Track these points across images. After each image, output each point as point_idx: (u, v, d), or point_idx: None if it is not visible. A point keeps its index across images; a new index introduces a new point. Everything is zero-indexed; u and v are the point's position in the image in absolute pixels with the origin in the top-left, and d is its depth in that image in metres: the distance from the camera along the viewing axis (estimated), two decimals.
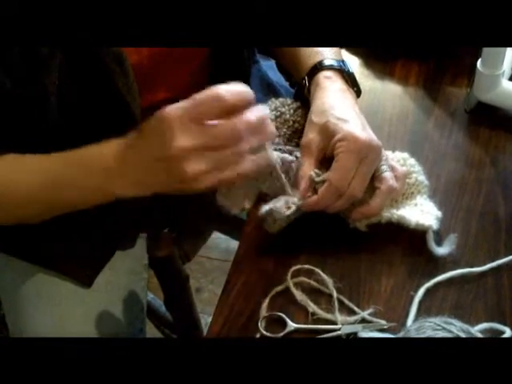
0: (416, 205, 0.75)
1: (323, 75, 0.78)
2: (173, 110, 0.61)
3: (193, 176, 0.61)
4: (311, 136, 0.74)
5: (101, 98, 0.74)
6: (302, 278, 0.71)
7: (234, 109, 0.61)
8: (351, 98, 0.78)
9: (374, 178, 0.73)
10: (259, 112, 0.63)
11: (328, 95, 0.76)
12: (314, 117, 0.75)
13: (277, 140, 0.78)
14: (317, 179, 0.72)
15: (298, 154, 0.76)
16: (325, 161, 0.74)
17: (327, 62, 0.79)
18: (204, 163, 0.61)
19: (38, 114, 0.71)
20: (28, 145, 0.71)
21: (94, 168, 0.67)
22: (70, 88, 0.71)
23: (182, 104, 0.61)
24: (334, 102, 0.75)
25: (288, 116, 0.80)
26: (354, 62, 0.95)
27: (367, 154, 0.71)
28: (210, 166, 0.61)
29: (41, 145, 0.72)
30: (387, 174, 0.73)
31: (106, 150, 0.66)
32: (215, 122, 0.61)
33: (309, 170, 0.73)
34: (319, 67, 0.79)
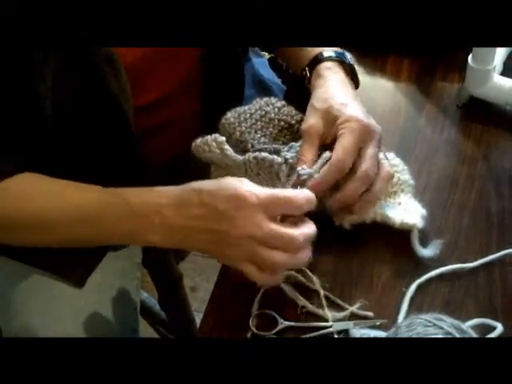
0: (400, 203, 0.75)
1: (325, 66, 0.79)
2: (252, 196, 0.63)
3: (236, 260, 0.65)
4: (312, 121, 0.74)
5: (94, 100, 0.74)
6: (291, 272, 0.71)
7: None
8: (352, 89, 0.78)
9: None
10: (312, 230, 0.66)
11: (330, 84, 0.77)
12: (316, 103, 0.75)
13: (263, 139, 0.78)
14: (302, 172, 0.71)
15: (288, 156, 0.75)
16: (323, 148, 0.74)
17: (328, 53, 0.80)
18: (250, 254, 0.64)
19: (34, 118, 0.71)
20: (27, 151, 0.72)
21: (136, 217, 0.67)
22: (65, 91, 0.71)
23: (261, 193, 0.64)
24: (337, 90, 0.76)
25: (273, 115, 0.79)
26: None
27: (371, 137, 0.72)
28: (253, 259, 0.64)
29: (39, 151, 0.73)
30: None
31: (160, 201, 0.66)
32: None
33: (309, 154, 0.73)
34: (320, 58, 0.79)
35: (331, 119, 0.73)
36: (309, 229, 0.66)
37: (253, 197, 0.63)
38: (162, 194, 0.68)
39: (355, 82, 0.81)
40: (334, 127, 0.73)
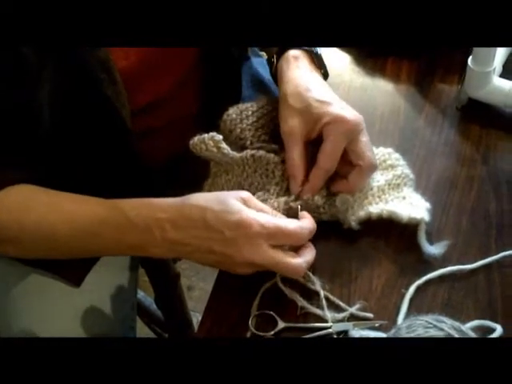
0: (404, 198, 0.75)
1: (291, 54, 0.78)
2: (257, 225, 0.64)
3: (239, 273, 0.68)
4: (293, 123, 0.73)
5: (91, 107, 0.73)
6: None
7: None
8: (320, 78, 0.78)
9: (351, 153, 0.72)
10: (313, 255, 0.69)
11: (299, 76, 0.76)
12: (292, 100, 0.74)
13: (262, 138, 0.78)
14: (292, 204, 0.72)
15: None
16: (309, 144, 0.74)
17: None
18: (254, 270, 0.67)
19: (31, 125, 0.71)
20: (23, 160, 0.71)
21: (136, 231, 0.67)
22: (62, 98, 0.71)
23: (265, 222, 0.65)
24: (309, 84, 0.75)
25: (275, 114, 0.79)
26: (344, 59, 0.95)
27: (358, 132, 0.71)
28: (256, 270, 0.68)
29: (36, 158, 0.72)
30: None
31: (159, 216, 0.66)
32: None
33: (298, 157, 0.73)
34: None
35: (313, 119, 0.72)
36: (309, 255, 0.68)
37: (258, 226, 0.64)
38: (161, 207, 0.67)
39: (323, 73, 0.80)
40: (318, 125, 0.72)
